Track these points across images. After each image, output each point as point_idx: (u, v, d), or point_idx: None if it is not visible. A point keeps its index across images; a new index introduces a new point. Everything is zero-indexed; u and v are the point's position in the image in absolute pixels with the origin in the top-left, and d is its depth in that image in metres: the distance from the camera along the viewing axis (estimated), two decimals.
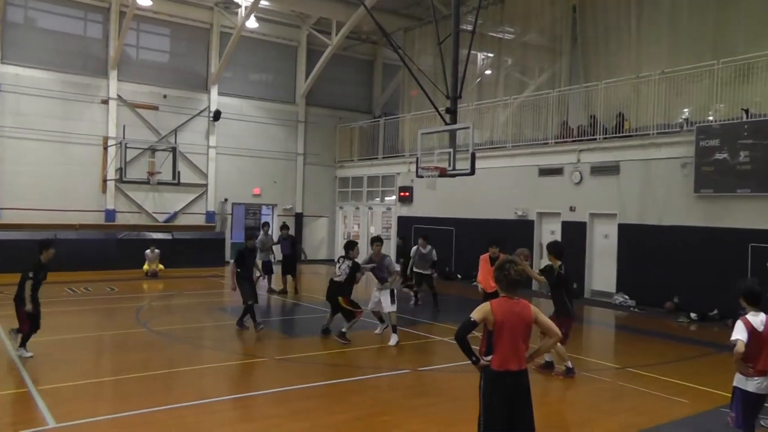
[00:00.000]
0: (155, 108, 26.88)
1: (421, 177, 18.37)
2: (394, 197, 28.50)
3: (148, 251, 23.75)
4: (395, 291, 13.39)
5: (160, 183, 26.18)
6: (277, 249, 20.81)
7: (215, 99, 28.25)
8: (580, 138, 20.81)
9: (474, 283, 14.70)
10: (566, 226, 20.74)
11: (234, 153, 28.84)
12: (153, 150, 26.42)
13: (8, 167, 23.68)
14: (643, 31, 20.71)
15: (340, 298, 13.07)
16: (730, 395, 6.59)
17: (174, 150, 26.56)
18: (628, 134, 19.33)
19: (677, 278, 17.76)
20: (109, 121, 25.76)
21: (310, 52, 30.60)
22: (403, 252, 19.22)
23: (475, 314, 5.50)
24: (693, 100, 18.17)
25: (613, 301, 19.17)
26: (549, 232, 21.04)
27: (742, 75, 16.80)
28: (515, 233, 20.96)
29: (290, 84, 30.83)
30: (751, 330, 6.19)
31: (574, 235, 20.08)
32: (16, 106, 23.90)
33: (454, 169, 17.13)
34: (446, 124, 17.49)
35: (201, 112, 28.01)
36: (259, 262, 16.18)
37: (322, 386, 9.84)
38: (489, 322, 5.49)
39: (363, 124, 31.07)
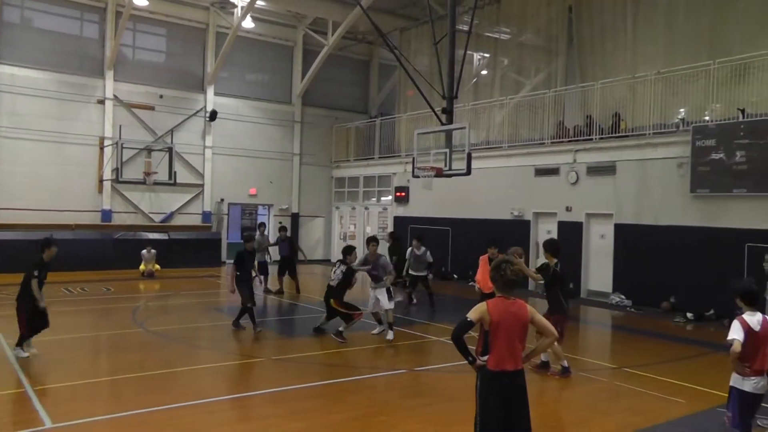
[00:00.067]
0: (151, 108, 26.85)
1: (418, 177, 18.35)
2: (390, 197, 28.50)
3: (144, 251, 23.72)
4: (392, 289, 13.60)
5: (156, 183, 26.10)
6: (274, 250, 20.79)
7: (211, 99, 28.23)
8: (576, 138, 20.83)
9: (471, 283, 14.73)
10: (562, 226, 20.75)
11: (230, 153, 28.82)
12: (149, 150, 26.37)
13: (4, 167, 23.62)
14: (639, 31, 20.72)
15: (332, 301, 13.24)
16: (726, 395, 6.59)
17: (170, 150, 26.51)
18: (624, 134, 19.34)
19: (674, 278, 17.78)
20: (105, 121, 25.72)
21: (306, 52, 30.59)
22: (395, 250, 19.08)
23: (472, 314, 5.50)
24: (689, 100, 18.19)
25: (609, 301, 19.18)
26: (545, 232, 21.00)
27: (739, 75, 16.83)
28: (511, 233, 20.94)
29: (286, 84, 30.83)
30: (747, 330, 6.20)
31: (571, 235, 20.08)
32: (13, 106, 23.86)
33: (450, 169, 17.14)
34: (442, 124, 17.49)
35: (197, 112, 27.98)
36: (255, 263, 16.14)
37: (319, 386, 9.84)
38: (485, 322, 5.50)
39: (359, 124, 31.07)
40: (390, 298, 13.41)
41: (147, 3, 25.17)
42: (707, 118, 17.51)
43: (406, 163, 24.64)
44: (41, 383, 9.38)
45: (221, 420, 8.25)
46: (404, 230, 25.30)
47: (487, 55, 27.24)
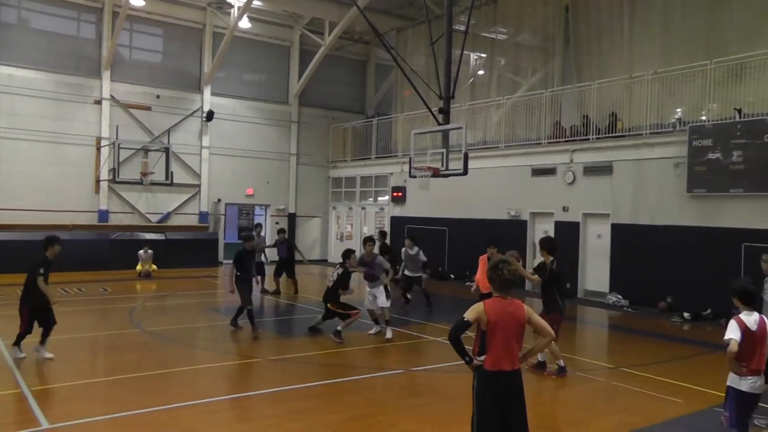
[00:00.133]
0: (148, 108, 26.81)
1: (414, 177, 18.37)
2: (387, 197, 28.50)
3: (141, 252, 23.70)
4: (389, 287, 13.68)
5: (153, 183, 26.12)
6: (271, 251, 20.77)
7: (208, 99, 28.20)
8: (572, 138, 20.84)
9: (468, 283, 14.75)
10: (559, 226, 20.76)
11: (227, 153, 28.78)
12: (146, 150, 26.35)
13: (1, 168, 23.57)
14: (635, 31, 20.75)
15: (328, 305, 13.38)
16: (723, 395, 6.60)
17: (167, 150, 26.50)
18: (620, 134, 19.37)
19: (670, 278, 17.81)
20: (102, 121, 25.68)
21: (303, 52, 30.58)
22: (385, 249, 19.01)
23: (469, 314, 5.51)
24: (686, 100, 18.21)
25: (606, 301, 19.19)
26: (542, 232, 20.96)
27: (735, 75, 16.86)
28: (508, 233, 20.96)
29: (283, 84, 30.80)
30: (744, 329, 6.21)
31: (567, 235, 20.10)
32: (9, 106, 23.81)
33: (447, 169, 17.15)
34: (439, 124, 17.51)
35: (194, 112, 27.95)
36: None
37: (317, 386, 9.84)
38: (482, 322, 5.51)
39: (356, 124, 31.06)
40: (387, 296, 13.59)
41: (144, 3, 25.15)
42: (704, 117, 17.52)
43: (403, 163, 24.66)
44: (38, 384, 9.37)
45: (220, 420, 8.25)
46: (401, 230, 25.30)
47: (483, 55, 27.25)
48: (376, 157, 29.11)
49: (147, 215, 26.87)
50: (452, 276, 24.29)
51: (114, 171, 25.46)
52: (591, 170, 19.99)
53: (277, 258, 20.48)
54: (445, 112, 17.34)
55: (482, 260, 13.39)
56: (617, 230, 19.35)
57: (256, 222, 25.85)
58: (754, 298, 6.47)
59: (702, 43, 18.78)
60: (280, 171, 30.58)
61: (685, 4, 19.46)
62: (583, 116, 20.66)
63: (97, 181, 25.63)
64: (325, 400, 9.20)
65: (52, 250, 10.81)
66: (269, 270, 20.63)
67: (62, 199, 24.74)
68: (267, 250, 21.62)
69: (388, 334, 13.42)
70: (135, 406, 8.39)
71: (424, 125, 22.16)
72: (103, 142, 25.60)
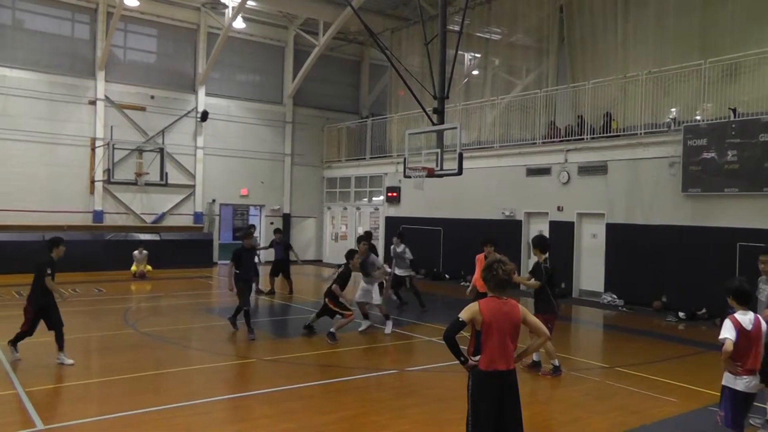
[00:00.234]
0: (143, 109, 26.77)
1: (409, 177, 18.35)
2: (381, 197, 28.50)
3: (136, 252, 23.66)
4: (383, 283, 13.88)
5: (147, 184, 26.09)
6: (267, 251, 20.77)
7: (202, 99, 28.17)
8: (567, 138, 20.86)
9: (463, 283, 14.75)
10: (554, 225, 20.78)
11: (221, 154, 28.76)
12: (140, 151, 26.33)
13: None
14: (630, 31, 20.76)
15: (326, 300, 13.42)
16: (719, 394, 6.60)
17: (161, 151, 26.47)
18: (615, 134, 19.39)
19: (665, 277, 17.83)
20: (96, 122, 25.63)
21: (297, 52, 30.56)
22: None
23: (463, 314, 5.50)
24: (680, 100, 18.24)
25: (601, 301, 19.22)
26: (537, 232, 20.97)
27: (730, 74, 16.90)
28: (503, 233, 20.96)
29: (277, 84, 30.78)
30: (739, 329, 6.20)
31: (562, 234, 20.12)
32: (3, 107, 23.75)
33: (441, 169, 17.12)
34: (433, 124, 17.48)
35: (188, 112, 27.92)
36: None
37: (310, 387, 9.81)
38: (477, 322, 5.50)
39: (350, 124, 31.05)
40: (381, 293, 14.01)
41: (138, 3, 25.08)
42: (698, 117, 17.56)
43: (398, 163, 24.68)
44: (32, 385, 9.32)
45: (213, 420, 8.24)
46: (396, 230, 25.20)
47: (478, 55, 27.28)
48: (371, 158, 29.11)
49: (142, 216, 26.84)
50: (447, 276, 24.27)
51: (109, 171, 25.40)
52: (586, 170, 20.00)
53: (272, 259, 20.46)
54: (440, 112, 17.31)
55: (479, 259, 13.36)
56: (612, 230, 19.37)
57: (250, 223, 25.81)
58: (749, 298, 6.46)
59: (696, 42, 18.80)
60: (274, 171, 30.55)
61: (679, 4, 19.47)
62: (578, 116, 20.69)
63: (92, 182, 25.59)
64: (318, 401, 9.17)
65: (57, 251, 10.81)
66: (266, 270, 20.58)
67: (57, 200, 24.69)
68: (262, 251, 21.58)
69: (387, 330, 13.73)
70: (129, 406, 8.36)
71: (419, 125, 22.17)
72: (98, 143, 25.55)
